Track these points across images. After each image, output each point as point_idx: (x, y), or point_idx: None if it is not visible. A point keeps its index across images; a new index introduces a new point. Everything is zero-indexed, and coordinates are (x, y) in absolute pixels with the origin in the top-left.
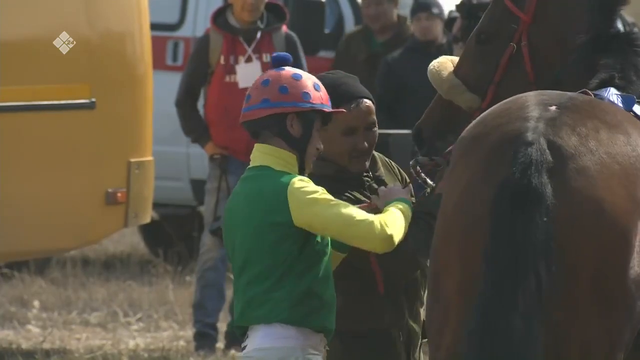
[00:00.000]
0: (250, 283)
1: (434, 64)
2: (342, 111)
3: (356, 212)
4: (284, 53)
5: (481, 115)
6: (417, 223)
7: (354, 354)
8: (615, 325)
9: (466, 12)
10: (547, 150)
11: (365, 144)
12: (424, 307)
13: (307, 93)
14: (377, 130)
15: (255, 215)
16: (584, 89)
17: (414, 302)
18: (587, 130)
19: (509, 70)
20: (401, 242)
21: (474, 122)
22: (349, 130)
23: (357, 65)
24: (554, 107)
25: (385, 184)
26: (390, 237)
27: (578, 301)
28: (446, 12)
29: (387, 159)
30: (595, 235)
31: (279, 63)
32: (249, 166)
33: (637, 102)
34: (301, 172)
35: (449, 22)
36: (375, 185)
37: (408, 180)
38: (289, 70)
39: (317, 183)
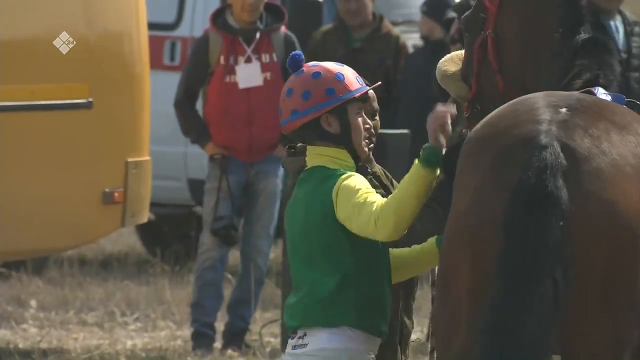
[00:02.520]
0: (315, 282)
1: (446, 56)
2: (377, 84)
3: (366, 204)
4: (296, 53)
5: (488, 116)
6: (423, 210)
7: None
8: (624, 326)
9: (463, 13)
10: (561, 154)
11: (370, 124)
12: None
13: (331, 88)
14: (379, 121)
15: (313, 214)
16: (588, 89)
17: (408, 297)
18: (599, 132)
19: (483, 60)
20: (410, 228)
21: (480, 123)
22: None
23: (336, 61)
24: (564, 109)
25: (380, 181)
26: (391, 229)
27: (588, 302)
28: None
29: (381, 168)
30: (607, 237)
31: (295, 66)
32: (306, 168)
33: (628, 100)
34: (357, 161)
35: (447, 22)
36: (374, 181)
37: (395, 183)
38: (308, 70)
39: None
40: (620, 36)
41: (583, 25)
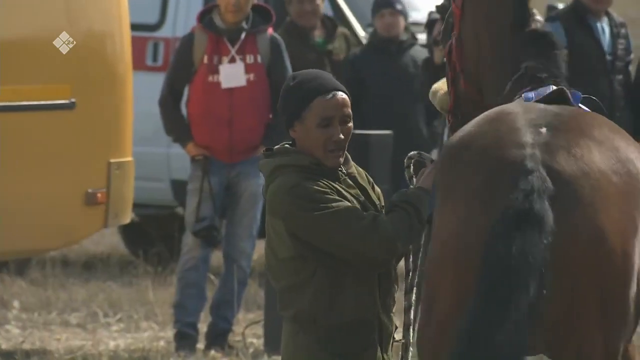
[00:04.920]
0: None
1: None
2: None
3: None
4: None
5: (464, 133)
6: (397, 211)
7: (331, 345)
8: (616, 341)
9: (446, 14)
10: (547, 178)
11: (341, 135)
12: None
13: None
14: (352, 126)
15: None
16: (561, 87)
17: (386, 296)
18: (581, 151)
19: (454, 65)
20: (384, 228)
21: (458, 140)
22: (325, 121)
23: (310, 66)
24: (544, 129)
25: (356, 181)
26: None
27: (583, 323)
28: (426, 14)
29: (360, 168)
30: (598, 260)
31: None
32: None
33: (584, 97)
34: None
35: (429, 24)
36: (349, 181)
37: (376, 186)
38: None
39: (292, 173)
40: (606, 38)
41: (526, 22)
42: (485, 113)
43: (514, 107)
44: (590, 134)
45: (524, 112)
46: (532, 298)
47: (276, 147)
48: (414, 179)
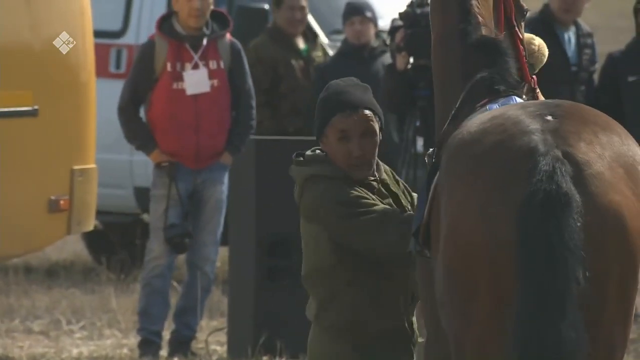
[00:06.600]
0: None
1: None
2: None
3: None
4: None
5: (464, 135)
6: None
7: (371, 353)
8: (630, 320)
9: (409, 22)
10: (565, 160)
11: (361, 151)
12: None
13: None
14: (378, 139)
15: None
16: (506, 99)
17: (412, 302)
18: (589, 136)
19: None
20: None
21: (459, 139)
22: (342, 135)
23: (295, 72)
24: (549, 117)
25: (389, 190)
26: None
27: (605, 307)
28: (389, 21)
29: (393, 172)
30: (620, 240)
31: None
32: None
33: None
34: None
35: (392, 31)
36: (384, 190)
37: (410, 191)
38: None
39: (329, 184)
40: (571, 48)
41: (472, 30)
42: (478, 116)
43: (506, 107)
44: (594, 120)
45: (520, 107)
46: (582, 285)
47: (307, 153)
48: None
